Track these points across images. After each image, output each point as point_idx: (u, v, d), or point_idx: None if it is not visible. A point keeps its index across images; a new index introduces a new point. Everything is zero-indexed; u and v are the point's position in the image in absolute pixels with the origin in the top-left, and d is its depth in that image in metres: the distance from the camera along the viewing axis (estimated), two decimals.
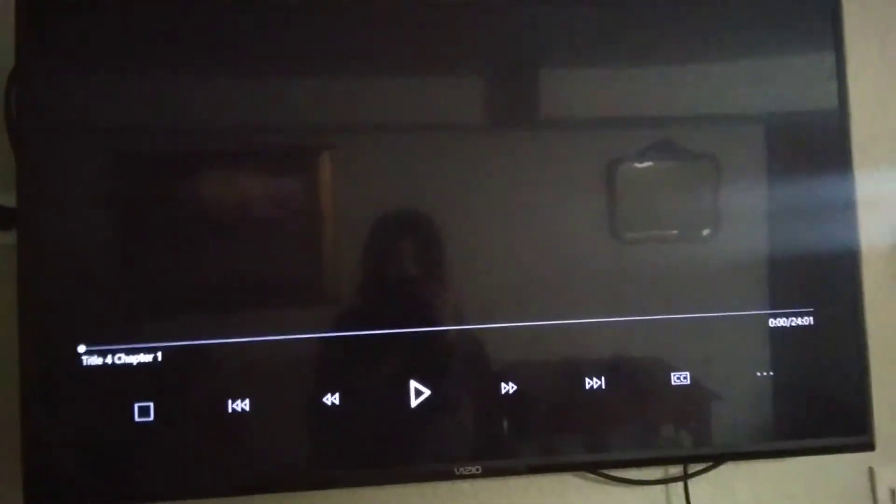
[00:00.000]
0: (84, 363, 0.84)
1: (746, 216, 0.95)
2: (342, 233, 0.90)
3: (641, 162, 0.95)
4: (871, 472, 1.07)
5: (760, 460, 1.05)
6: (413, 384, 0.89)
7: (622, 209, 0.93)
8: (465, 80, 0.94)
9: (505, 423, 0.92)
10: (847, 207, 0.95)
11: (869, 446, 0.94)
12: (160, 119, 0.88)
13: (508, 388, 0.90)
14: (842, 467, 1.07)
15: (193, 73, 0.89)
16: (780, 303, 0.93)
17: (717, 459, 1.00)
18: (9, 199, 0.89)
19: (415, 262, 0.93)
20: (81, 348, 0.84)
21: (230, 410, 0.86)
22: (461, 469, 0.88)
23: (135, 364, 0.85)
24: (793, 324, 0.93)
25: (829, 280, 0.95)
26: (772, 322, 0.93)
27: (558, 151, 0.94)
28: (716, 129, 0.97)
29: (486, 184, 0.92)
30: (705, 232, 0.95)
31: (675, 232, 0.95)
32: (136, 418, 0.85)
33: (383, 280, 0.92)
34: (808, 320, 0.93)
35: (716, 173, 0.95)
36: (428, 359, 0.90)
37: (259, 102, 0.90)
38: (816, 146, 0.97)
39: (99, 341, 0.84)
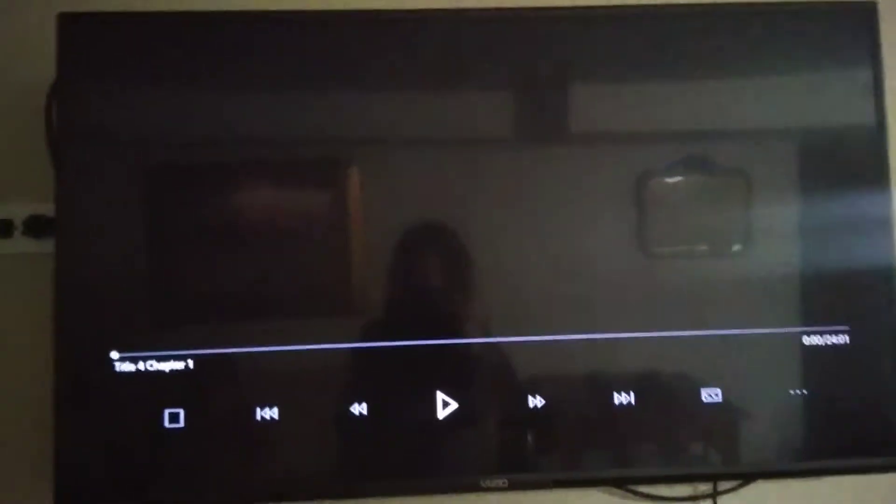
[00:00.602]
0: (117, 369, 0.86)
1: (778, 232, 0.94)
2: (370, 245, 0.91)
3: (671, 177, 0.94)
4: None
5: (792, 479, 1.02)
6: (440, 396, 0.89)
7: (652, 224, 0.93)
8: (495, 95, 0.95)
9: (532, 437, 0.91)
10: (884, 224, 0.94)
11: None
12: (193, 132, 0.91)
13: (536, 401, 0.89)
14: (873, 486, 1.04)
15: (227, 88, 0.91)
16: (815, 320, 0.92)
17: (748, 478, 0.98)
18: (47, 209, 0.91)
19: (442, 274, 0.93)
20: (114, 354, 0.86)
21: (258, 418, 0.87)
22: (487, 482, 0.88)
23: (166, 371, 0.86)
24: (828, 342, 0.91)
25: (865, 297, 0.93)
26: (806, 340, 0.91)
27: (587, 166, 0.94)
28: (747, 145, 0.96)
29: (515, 198, 0.92)
30: (736, 248, 0.94)
31: (704, 247, 0.94)
32: (167, 424, 0.86)
33: (411, 292, 0.92)
34: (843, 339, 0.91)
35: (747, 189, 0.94)
36: (455, 371, 0.90)
37: (290, 116, 0.91)
38: (851, 162, 0.95)
39: (131, 348, 0.86)
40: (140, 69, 0.90)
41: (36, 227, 0.97)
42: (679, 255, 0.94)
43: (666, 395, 0.91)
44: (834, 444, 0.93)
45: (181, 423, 0.86)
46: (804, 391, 0.91)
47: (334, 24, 0.92)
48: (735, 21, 0.95)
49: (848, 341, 0.91)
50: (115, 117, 0.89)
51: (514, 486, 0.89)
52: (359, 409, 0.88)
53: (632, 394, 0.90)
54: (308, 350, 0.88)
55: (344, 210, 0.91)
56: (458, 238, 0.92)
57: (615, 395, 0.90)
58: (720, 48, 0.95)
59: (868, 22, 0.95)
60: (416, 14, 0.94)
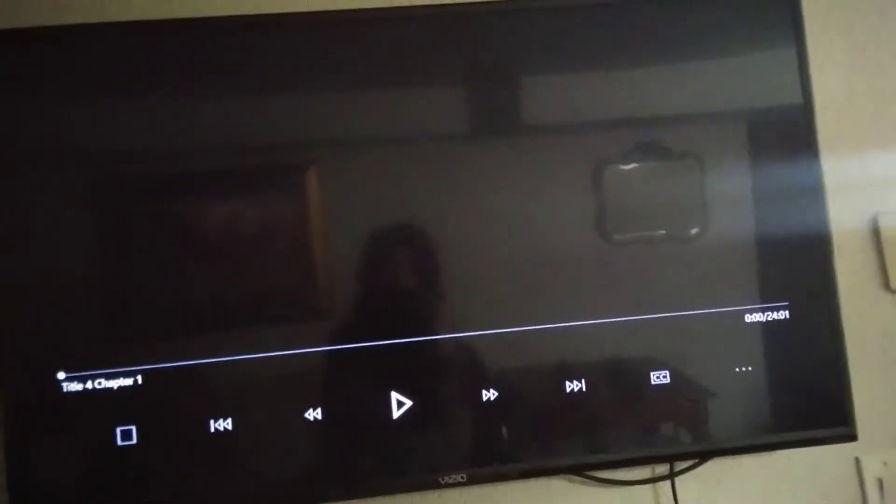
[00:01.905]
0: (65, 389, 0.85)
1: (728, 214, 0.96)
2: (324, 248, 0.91)
3: (627, 164, 0.96)
4: (857, 462, 1.08)
5: (746, 456, 1.05)
6: (395, 395, 0.89)
7: (610, 211, 0.94)
8: (448, 90, 0.96)
9: (488, 430, 0.92)
10: (818, 200, 0.96)
11: (851, 437, 0.94)
12: (136, 141, 0.89)
13: (490, 394, 0.90)
14: (828, 459, 1.07)
15: (175, 95, 0.90)
16: (757, 298, 0.94)
17: (702, 456, 1.00)
18: None
19: (395, 272, 0.94)
20: (61, 375, 0.85)
21: (212, 430, 0.86)
22: (446, 478, 0.88)
23: (115, 388, 0.85)
24: (769, 318, 0.94)
25: (804, 272, 0.96)
26: (748, 317, 0.94)
27: (544, 157, 0.95)
28: (697, 128, 0.98)
29: (473, 192, 0.93)
30: (693, 231, 0.95)
31: (663, 232, 0.96)
32: (119, 442, 0.85)
33: (369, 292, 0.92)
34: (783, 314, 0.94)
35: (700, 172, 0.96)
36: (409, 369, 0.91)
37: (240, 120, 0.91)
38: (788, 140, 0.98)
39: (78, 367, 0.85)
40: (81, 78, 0.88)
41: None
42: (638, 241, 0.95)
43: (616, 379, 0.93)
44: (782, 418, 0.95)
45: (134, 440, 0.85)
46: (749, 368, 0.93)
47: (285, 27, 0.92)
48: (674, 8, 0.97)
49: (788, 316, 0.94)
50: (53, 128, 0.87)
51: (472, 481, 0.90)
52: (313, 414, 0.88)
53: (583, 381, 0.91)
54: (259, 358, 0.87)
55: (298, 214, 0.91)
56: (415, 234, 0.92)
57: (567, 383, 0.91)
58: (664, 34, 0.97)
59: (791, 3, 0.97)
60: (367, 13, 0.95)
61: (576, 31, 0.96)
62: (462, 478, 0.89)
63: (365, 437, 0.90)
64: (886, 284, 1.09)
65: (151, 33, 0.90)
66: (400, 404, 0.89)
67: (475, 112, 0.96)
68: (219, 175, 0.91)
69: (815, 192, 0.96)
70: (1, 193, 0.86)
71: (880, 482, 1.07)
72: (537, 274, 0.93)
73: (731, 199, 0.96)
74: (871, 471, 1.07)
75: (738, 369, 0.93)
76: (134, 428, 0.85)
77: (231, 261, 0.90)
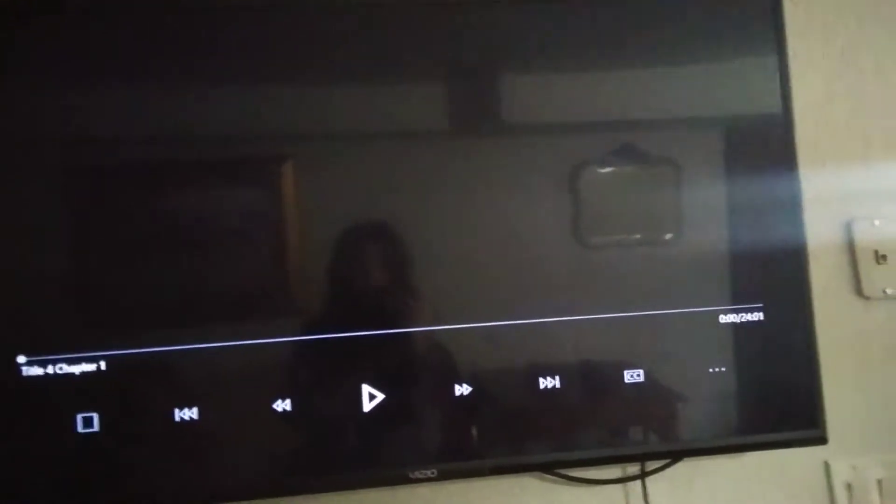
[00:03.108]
0: (24, 374, 0.82)
1: (704, 218, 0.96)
2: (301, 240, 0.90)
3: (604, 167, 0.95)
4: (826, 466, 1.08)
5: (718, 457, 1.05)
6: (366, 388, 0.88)
7: (586, 214, 0.94)
8: (426, 87, 0.95)
9: (460, 425, 0.91)
10: (794, 206, 0.97)
11: (821, 440, 0.95)
12: (107, 128, 0.87)
13: (462, 389, 0.89)
14: (798, 463, 1.07)
15: (151, 83, 0.88)
16: (732, 299, 0.94)
17: (673, 456, 1.00)
18: None
19: (376, 268, 0.92)
20: (21, 359, 0.82)
21: (177, 419, 0.84)
22: (416, 472, 0.87)
23: (77, 374, 0.83)
24: (743, 319, 0.94)
25: (778, 276, 0.96)
26: (722, 318, 0.94)
27: (521, 157, 0.94)
28: (676, 134, 0.98)
29: (449, 190, 0.92)
30: (668, 236, 0.95)
31: (638, 236, 0.95)
32: (80, 429, 0.83)
33: (341, 287, 0.90)
34: (757, 316, 0.94)
35: (676, 177, 0.96)
36: (380, 363, 0.89)
37: (218, 111, 0.89)
38: (765, 147, 0.98)
39: (39, 351, 0.82)
40: (54, 63, 0.86)
41: None
42: (613, 245, 0.95)
43: (590, 377, 0.93)
44: (754, 419, 0.96)
45: (95, 428, 0.83)
46: (723, 369, 0.93)
47: (262, 17, 0.90)
48: (658, 10, 0.97)
49: (762, 318, 0.94)
50: (23, 111, 0.85)
51: (442, 476, 0.88)
52: (282, 405, 0.86)
53: (557, 378, 0.90)
54: (227, 347, 0.86)
55: (271, 205, 0.89)
56: (393, 231, 0.91)
57: (541, 379, 0.90)
58: (644, 39, 0.97)
59: (773, 9, 0.98)
60: (347, 4, 0.93)
61: (557, 30, 0.95)
62: (432, 473, 0.87)
63: (335, 430, 0.88)
64: (859, 290, 1.10)
65: (125, 17, 0.88)
66: (371, 397, 0.88)
67: (453, 109, 0.95)
68: (193, 165, 0.89)
69: (791, 198, 0.97)
70: None
71: (849, 486, 1.08)
72: (512, 271, 0.93)
73: (708, 204, 0.96)
74: (841, 475, 1.08)
75: (711, 370, 0.93)
76: (96, 415, 0.83)
77: (203, 250, 0.88)
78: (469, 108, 0.96)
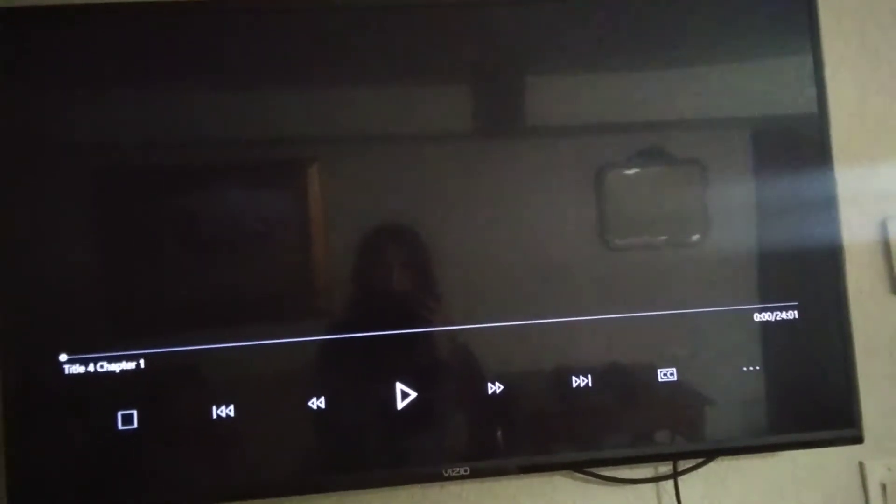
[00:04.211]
0: (66, 372, 0.84)
1: (732, 218, 0.95)
2: (328, 242, 0.90)
3: (629, 168, 0.95)
4: (861, 466, 1.07)
5: (751, 457, 1.04)
6: (399, 386, 0.89)
7: (612, 216, 0.94)
8: (453, 89, 0.95)
9: (492, 424, 0.91)
10: (829, 205, 0.96)
11: (857, 439, 0.94)
12: (141, 131, 0.88)
13: (495, 388, 0.89)
14: (832, 463, 1.06)
15: (179, 86, 0.89)
16: (766, 298, 0.94)
17: (706, 455, 0.99)
18: None
19: (401, 268, 0.93)
20: (63, 357, 0.84)
21: (215, 416, 0.85)
22: (449, 470, 0.88)
23: (117, 371, 0.84)
24: (777, 318, 0.93)
25: (814, 275, 0.95)
26: (757, 317, 0.93)
27: (546, 159, 0.94)
28: (702, 134, 0.97)
29: (475, 192, 0.92)
30: (695, 237, 0.95)
31: (664, 238, 0.95)
32: (120, 426, 0.84)
33: (370, 288, 0.91)
34: (792, 314, 0.93)
35: (703, 178, 0.95)
36: (413, 361, 0.90)
37: (245, 115, 0.90)
38: (798, 147, 0.97)
39: (81, 350, 0.84)
40: (86, 68, 0.87)
41: None
42: (639, 247, 0.95)
43: (623, 376, 0.92)
44: (788, 418, 0.95)
45: (135, 425, 0.84)
46: (757, 367, 0.92)
47: (289, 21, 0.91)
48: (686, 12, 0.96)
49: (797, 316, 0.93)
50: (57, 116, 0.87)
51: (475, 474, 0.89)
52: (317, 403, 0.87)
53: (589, 377, 0.90)
54: (264, 345, 0.87)
55: (303, 208, 0.90)
56: (419, 232, 0.91)
57: (573, 378, 0.90)
58: (672, 39, 0.96)
59: (808, 9, 0.97)
60: (372, 8, 0.94)
61: (582, 31, 0.95)
62: (465, 471, 0.88)
63: (368, 428, 0.89)
64: (895, 288, 1.09)
65: (154, 19, 0.89)
66: (405, 395, 0.88)
67: (479, 111, 0.95)
68: (226, 169, 0.90)
69: (826, 197, 0.96)
70: (7, 179, 0.85)
71: (884, 487, 1.07)
72: (541, 272, 0.93)
73: (738, 204, 0.95)
74: (876, 475, 1.07)
75: (745, 369, 0.92)
76: (135, 412, 0.85)
77: (237, 251, 0.89)
78: (494, 110, 0.96)
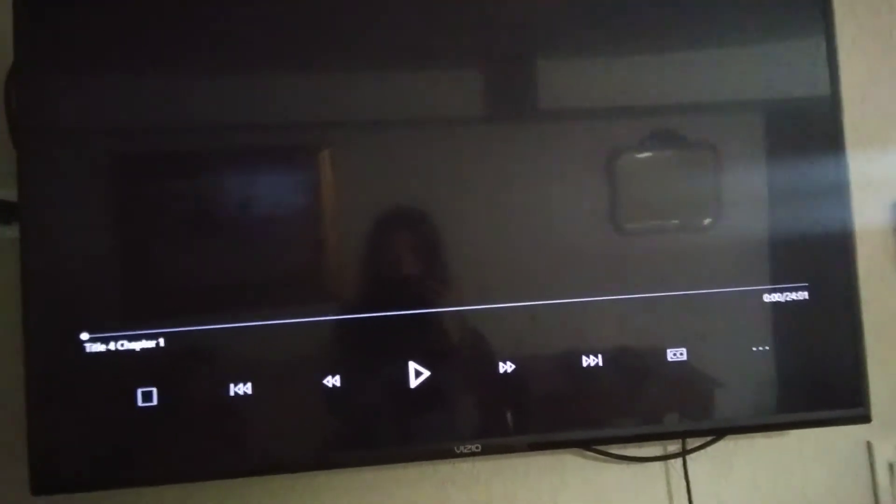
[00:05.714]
0: (87, 350, 0.85)
1: (745, 201, 0.96)
2: (343, 223, 0.92)
3: (641, 152, 0.95)
4: (868, 446, 1.08)
5: (759, 436, 1.06)
6: (412, 365, 0.90)
7: (623, 199, 0.94)
8: (464, 73, 0.95)
9: (504, 402, 0.93)
10: (840, 187, 0.96)
11: (865, 418, 0.95)
12: (159, 115, 0.89)
13: (507, 367, 0.91)
14: (840, 442, 1.08)
15: (193, 71, 0.90)
16: (776, 279, 0.94)
17: (715, 434, 1.01)
18: (11, 194, 0.90)
19: (415, 249, 0.94)
20: (84, 336, 0.86)
21: (232, 394, 0.87)
22: (461, 447, 0.89)
23: (137, 350, 0.86)
24: (788, 298, 0.94)
25: (824, 256, 0.96)
26: (767, 297, 0.94)
27: (557, 143, 0.94)
28: (714, 117, 0.97)
29: (487, 176, 0.93)
30: (706, 221, 0.95)
31: (676, 221, 0.96)
32: (140, 403, 0.86)
33: (383, 270, 0.92)
34: (803, 295, 0.94)
35: (715, 161, 0.95)
36: (426, 340, 0.91)
37: (258, 100, 0.91)
38: (810, 130, 0.97)
39: (101, 328, 0.86)
40: (102, 52, 0.88)
41: (2, 212, 0.96)
42: (650, 231, 0.95)
43: (633, 356, 0.93)
44: (797, 398, 0.96)
45: (154, 402, 0.86)
46: (766, 347, 0.93)
47: (299, 6, 0.92)
48: None
49: (807, 297, 0.94)
50: (78, 101, 0.88)
51: (486, 451, 0.90)
52: (332, 381, 0.88)
53: (600, 357, 0.92)
54: (281, 325, 0.88)
55: (315, 192, 0.91)
56: (431, 215, 0.92)
57: (584, 357, 0.91)
58: (683, 21, 0.96)
59: None
60: None
61: (594, 14, 0.95)
62: (476, 448, 0.89)
63: (382, 406, 0.90)
64: None
65: (173, 5, 0.90)
66: (418, 374, 0.90)
67: (490, 95, 0.95)
68: (240, 152, 0.91)
69: (837, 179, 0.96)
70: (26, 161, 0.86)
71: (891, 466, 1.08)
72: (553, 255, 0.93)
73: (750, 186, 0.96)
74: (883, 455, 1.08)
75: (755, 349, 0.93)
76: (155, 390, 0.86)
77: (253, 234, 0.90)
78: (506, 95, 0.96)
